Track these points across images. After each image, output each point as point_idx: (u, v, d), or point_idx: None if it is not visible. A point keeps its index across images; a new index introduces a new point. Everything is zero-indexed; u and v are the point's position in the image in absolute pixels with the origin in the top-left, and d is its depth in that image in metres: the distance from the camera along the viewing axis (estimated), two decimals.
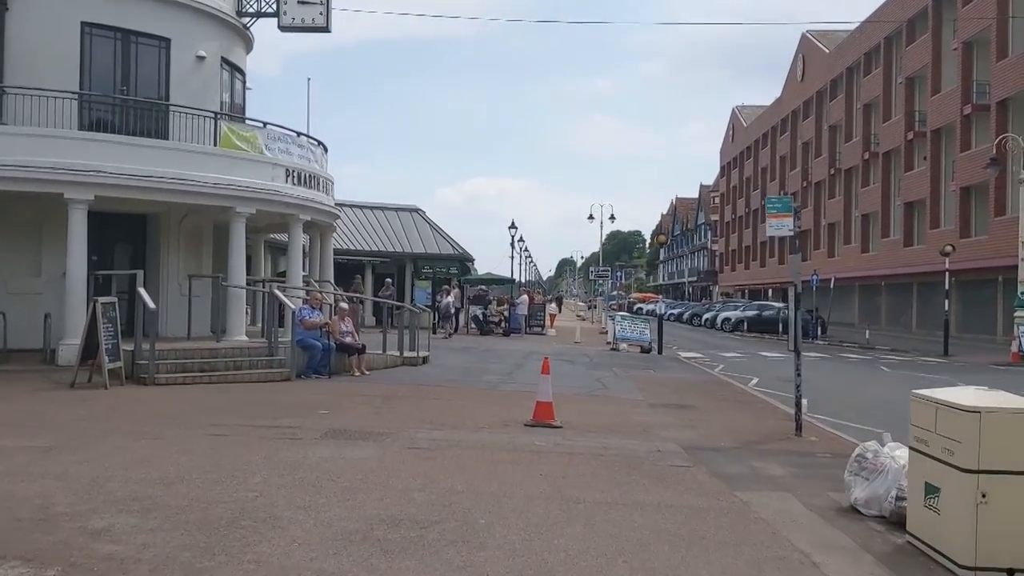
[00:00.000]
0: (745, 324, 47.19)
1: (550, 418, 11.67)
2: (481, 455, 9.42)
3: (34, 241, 17.65)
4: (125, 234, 19.45)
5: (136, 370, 14.55)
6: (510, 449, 9.86)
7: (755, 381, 20.26)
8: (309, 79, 44.60)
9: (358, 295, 26.51)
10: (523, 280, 51.45)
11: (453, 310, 32.30)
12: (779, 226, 12.06)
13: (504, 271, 41.93)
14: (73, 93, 16.70)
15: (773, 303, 53.44)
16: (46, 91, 16.30)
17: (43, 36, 17.56)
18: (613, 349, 28.19)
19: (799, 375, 11.95)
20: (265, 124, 19.34)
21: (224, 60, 20.56)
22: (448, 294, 32.64)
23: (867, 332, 40.68)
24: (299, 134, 20.12)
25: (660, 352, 27.49)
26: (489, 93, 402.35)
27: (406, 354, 19.55)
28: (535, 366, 21.53)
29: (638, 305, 73.47)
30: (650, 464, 9.39)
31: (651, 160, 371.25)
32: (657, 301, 79.52)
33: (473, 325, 34.17)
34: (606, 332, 36.58)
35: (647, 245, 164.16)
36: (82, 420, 10.61)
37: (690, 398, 15.88)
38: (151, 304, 14.46)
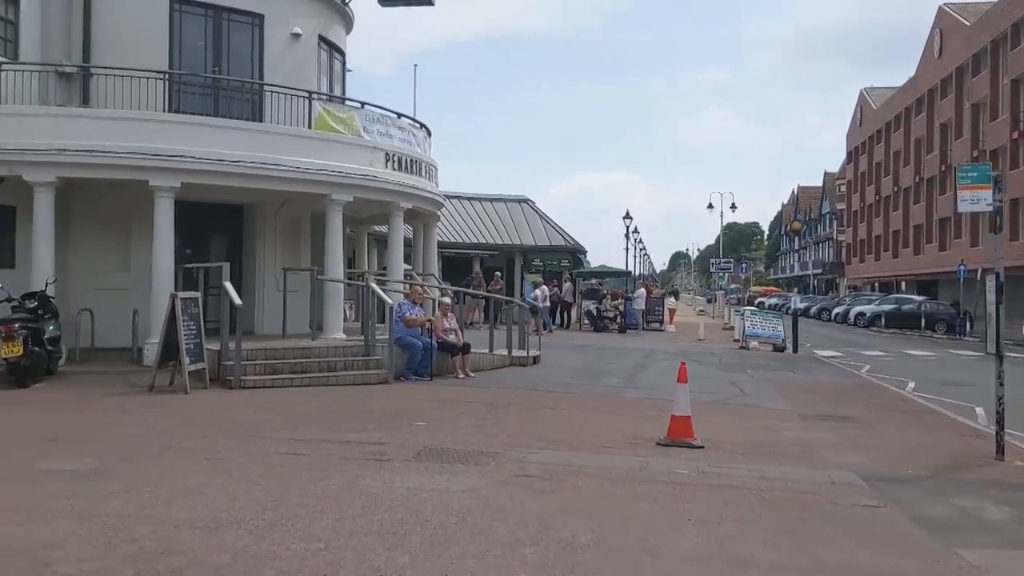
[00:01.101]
0: (882, 319, 43.61)
1: (689, 436, 9.66)
2: (607, 487, 7.53)
3: (123, 234, 16.70)
4: (221, 226, 18.37)
5: (222, 372, 13.25)
6: (644, 479, 7.92)
7: (912, 386, 17.64)
8: (416, 65, 43.39)
9: (472, 291, 24.98)
10: (638, 273, 49.11)
11: (544, 304, 30.30)
12: (974, 199, 9.69)
13: (617, 265, 39.80)
14: (160, 72, 15.59)
15: (911, 296, 49.48)
16: (131, 71, 15.23)
17: (131, 15, 16.55)
18: (742, 347, 25.77)
19: (1001, 384, 9.59)
20: (363, 104, 17.90)
21: (322, 39, 19.24)
22: (536, 287, 30.74)
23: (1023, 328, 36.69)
24: (399, 115, 18.61)
25: (795, 351, 24.94)
26: (599, 87, 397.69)
27: (515, 353, 17.80)
28: (659, 367, 19.48)
29: (759, 299, 69.86)
30: (827, 502, 7.31)
31: (766, 152, 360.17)
32: (780, 295, 75.71)
33: (586, 321, 32.21)
34: (731, 328, 34.04)
35: (765, 237, 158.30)
36: (144, 433, 9.22)
37: (846, 407, 13.55)
38: (237, 300, 13.13)
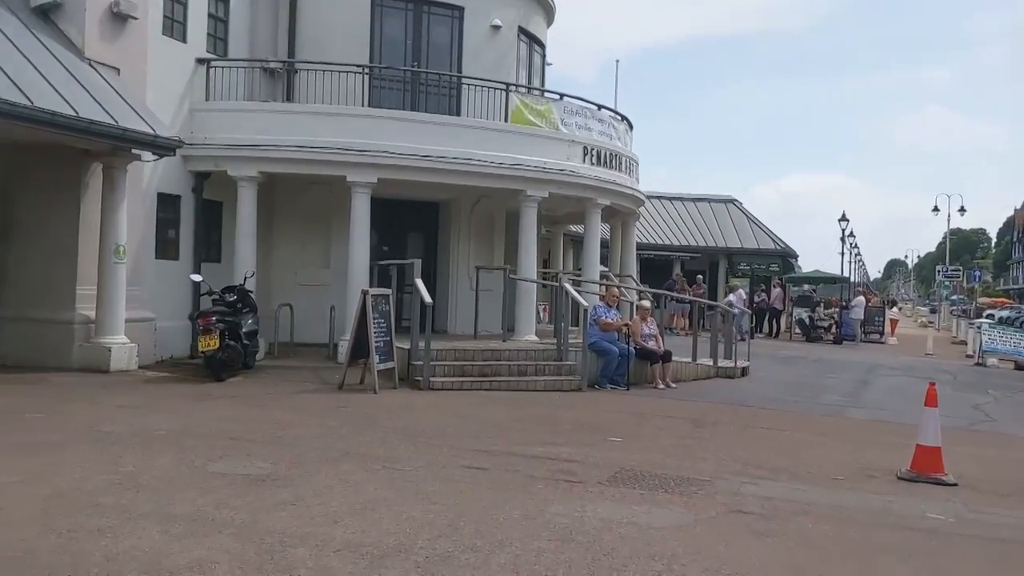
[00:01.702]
0: None
1: (938, 470, 8.06)
2: (845, 533, 6.18)
3: (324, 229, 16.71)
4: (417, 223, 18.11)
5: (411, 372, 12.77)
6: (888, 524, 6.50)
7: None
8: (617, 61, 42.35)
9: (675, 295, 23.64)
10: (855, 279, 45.61)
11: (738, 310, 28.22)
12: None
13: (829, 270, 36.89)
14: (358, 67, 15.42)
15: None
16: (332, 65, 15.14)
17: (334, 11, 16.53)
18: (978, 364, 22.91)
19: None
20: (562, 96, 17.08)
21: (522, 30, 18.59)
22: (731, 292, 28.67)
23: None
24: (600, 107, 17.64)
25: None
26: (804, 88, 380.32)
27: (721, 364, 16.37)
28: (885, 384, 17.42)
29: (988, 311, 63.48)
30: None
31: (991, 153, 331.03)
32: (1012, 306, 68.40)
33: (797, 330, 29.94)
34: (962, 343, 30.65)
35: (992, 244, 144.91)
36: (325, 435, 8.73)
37: None
38: (427, 298, 12.60)
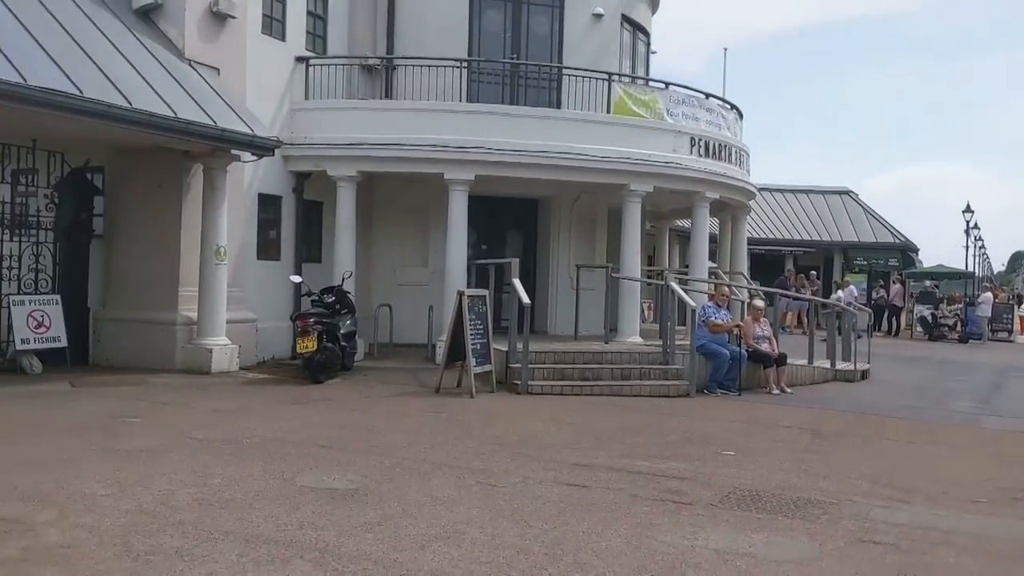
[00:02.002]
0: None
1: None
2: (992, 571, 5.42)
3: (422, 229, 16.49)
4: (516, 221, 17.72)
5: (509, 375, 12.36)
6: None
7: None
8: (726, 49, 40.99)
9: (791, 293, 22.61)
10: (980, 274, 43.04)
11: (849, 307, 26.71)
12: None
13: (951, 265, 34.82)
14: (456, 60, 15.09)
15: None
16: (430, 60, 14.87)
17: (432, 6, 16.24)
18: None
19: None
20: (668, 85, 16.37)
21: (625, 18, 17.94)
22: (841, 288, 27.13)
23: None
24: (708, 95, 16.84)
25: None
26: (917, 74, 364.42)
27: (839, 367, 15.40)
28: (1020, 388, 16.09)
29: None
30: None
31: None
32: None
33: (919, 328, 28.29)
34: None
35: None
36: (418, 443, 8.37)
37: None
38: (525, 298, 12.15)
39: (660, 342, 13.87)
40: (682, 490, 7.00)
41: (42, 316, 11.86)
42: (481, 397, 11.45)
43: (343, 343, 12.48)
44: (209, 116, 11.61)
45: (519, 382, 11.98)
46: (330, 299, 12.76)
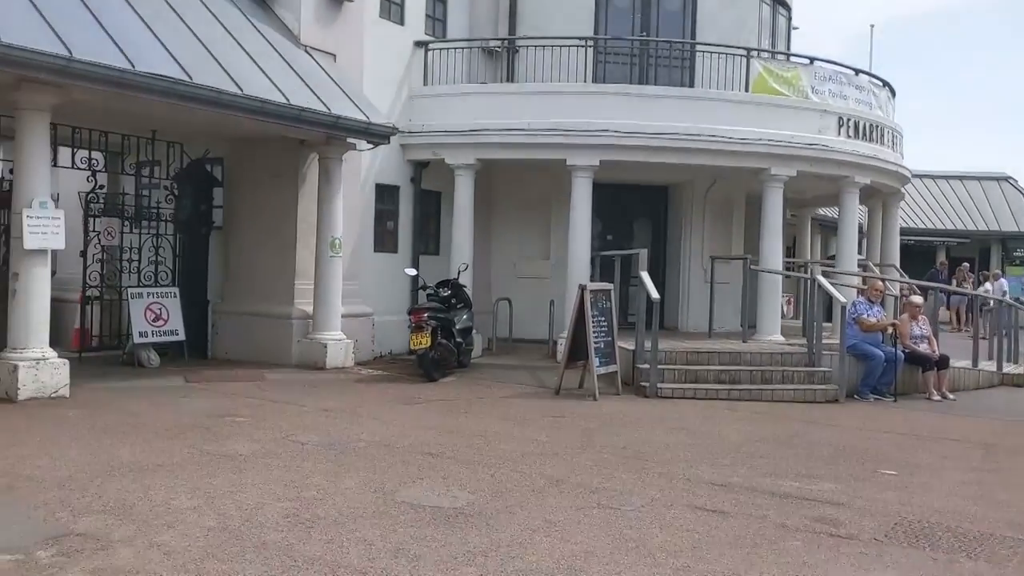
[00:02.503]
0: None
1: None
2: None
3: (544, 219, 15.72)
4: (644, 209, 16.73)
5: (636, 376, 11.46)
6: None
7: None
8: (872, 26, 38.49)
9: (952, 288, 20.73)
10: None
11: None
12: None
13: None
14: (581, 39, 14.20)
15: None
16: (553, 39, 14.06)
17: None
18: None
19: None
20: (812, 60, 15.01)
21: None
22: (989, 280, 24.45)
23: None
24: (857, 71, 15.38)
25: None
26: None
27: (1007, 370, 13.77)
28: None
29: None
30: None
31: None
32: None
33: None
34: None
35: None
36: (534, 453, 7.61)
37: None
38: (654, 293, 11.21)
39: (804, 341, 12.68)
40: (839, 519, 5.98)
41: (160, 309, 11.73)
42: (605, 400, 10.60)
43: (458, 339, 11.87)
44: (323, 103, 11.17)
45: (647, 384, 11.06)
46: (445, 293, 12.18)
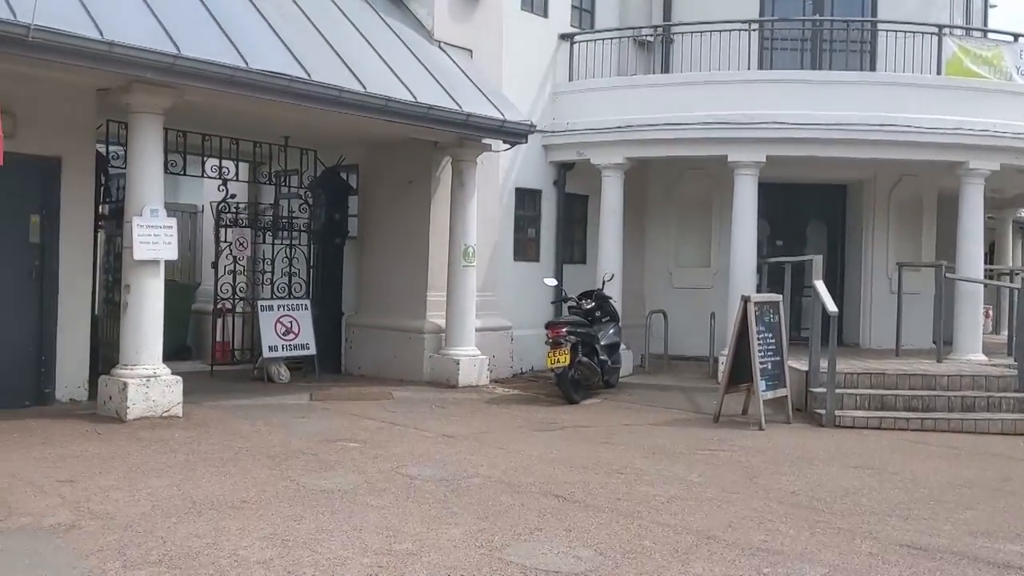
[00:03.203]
0: None
1: None
2: None
3: (703, 223, 14.30)
4: (819, 211, 15.00)
5: (809, 401, 9.92)
6: None
7: None
8: None
9: None
10: None
11: None
12: None
13: None
14: (744, 23, 12.72)
15: None
16: (711, 24, 12.68)
17: None
18: None
19: None
20: (1016, 37, 12.92)
21: None
22: None
23: None
24: None
25: None
26: None
27: None
28: None
29: None
30: None
31: None
32: None
33: None
34: None
35: None
36: (682, 498, 6.33)
37: None
38: (831, 305, 9.66)
39: (1011, 362, 10.73)
40: None
41: (291, 322, 11.20)
42: (772, 430, 9.14)
43: (602, 356, 10.70)
44: (454, 100, 10.32)
45: (823, 412, 9.51)
46: (588, 305, 11.05)
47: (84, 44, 7.24)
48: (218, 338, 11.56)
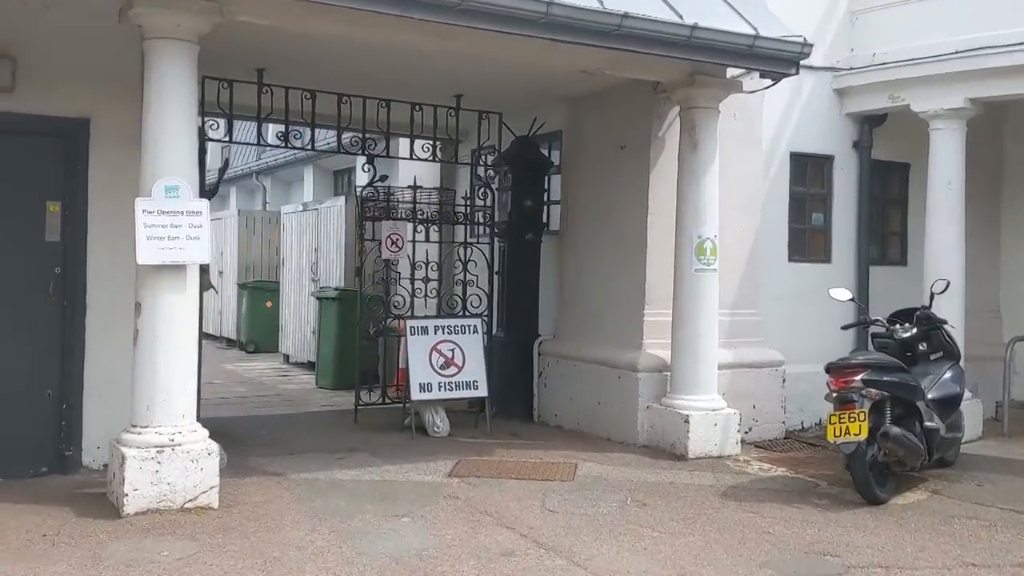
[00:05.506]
0: None
1: None
2: None
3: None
4: None
5: None
6: None
7: None
8: None
9: None
10: None
11: None
12: None
13: None
14: None
15: None
16: None
17: None
18: None
19: None
20: None
21: None
22: None
23: None
24: None
25: None
26: None
27: None
28: None
29: None
30: None
31: None
32: None
33: None
34: None
35: None
36: None
37: None
38: None
39: None
40: None
41: (452, 350, 8.00)
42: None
43: (928, 422, 6.27)
44: (675, 11, 6.53)
45: None
46: (906, 333, 6.68)
47: None
48: (358, 367, 8.64)
